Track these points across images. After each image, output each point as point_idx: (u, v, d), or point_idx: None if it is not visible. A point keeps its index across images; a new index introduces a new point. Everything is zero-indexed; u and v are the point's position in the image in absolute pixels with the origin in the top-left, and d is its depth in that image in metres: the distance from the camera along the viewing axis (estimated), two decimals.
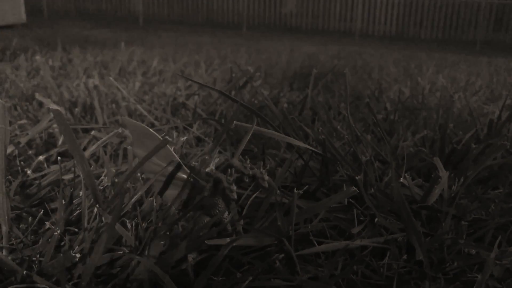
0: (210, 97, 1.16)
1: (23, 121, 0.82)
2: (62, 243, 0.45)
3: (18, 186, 0.55)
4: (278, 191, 0.53)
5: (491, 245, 0.48)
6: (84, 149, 0.73)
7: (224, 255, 0.41)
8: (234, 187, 0.44)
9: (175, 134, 0.81)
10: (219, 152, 0.74)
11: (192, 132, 0.82)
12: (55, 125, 0.80)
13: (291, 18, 7.92)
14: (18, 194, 0.54)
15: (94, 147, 0.63)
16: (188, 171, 0.47)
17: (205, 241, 0.42)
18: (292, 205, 0.47)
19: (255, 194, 0.56)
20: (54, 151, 0.70)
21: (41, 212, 0.49)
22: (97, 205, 0.48)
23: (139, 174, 0.56)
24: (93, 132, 0.76)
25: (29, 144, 0.72)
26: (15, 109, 0.93)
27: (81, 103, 0.99)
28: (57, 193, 0.56)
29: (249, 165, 0.46)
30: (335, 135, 0.83)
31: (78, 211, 0.50)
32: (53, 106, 0.90)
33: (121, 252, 0.42)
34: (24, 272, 0.38)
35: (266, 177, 0.46)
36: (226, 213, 0.46)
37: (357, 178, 0.55)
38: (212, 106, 1.04)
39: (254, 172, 0.46)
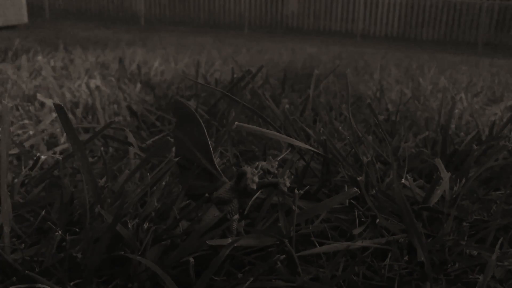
0: (211, 98, 1.16)
1: (25, 121, 0.82)
2: (64, 243, 0.45)
3: (19, 185, 0.55)
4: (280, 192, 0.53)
5: (492, 247, 0.48)
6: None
7: (225, 256, 0.41)
8: (257, 179, 0.45)
9: None
10: (221, 153, 0.74)
11: None
12: (57, 125, 0.80)
13: (292, 18, 7.92)
14: (20, 194, 0.55)
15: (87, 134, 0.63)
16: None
17: (207, 242, 0.42)
18: (294, 205, 0.47)
19: (256, 195, 0.56)
20: (55, 151, 0.71)
21: (43, 212, 0.49)
22: (99, 205, 0.48)
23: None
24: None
25: (30, 144, 0.72)
26: (17, 109, 0.93)
27: (83, 103, 0.99)
28: (59, 193, 0.56)
29: (276, 165, 0.47)
30: (337, 136, 0.83)
31: (79, 211, 0.50)
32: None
33: (122, 252, 0.42)
34: (26, 272, 0.38)
35: (288, 184, 0.46)
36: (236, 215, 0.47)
37: (358, 179, 0.55)
38: (214, 106, 1.04)
39: (275, 181, 0.46)
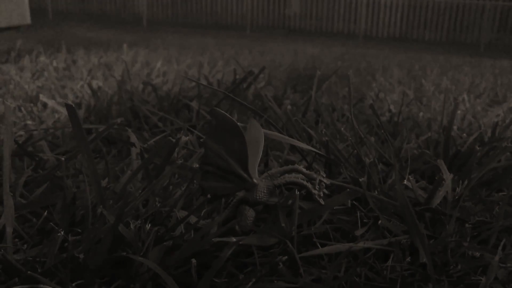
0: (213, 99, 1.16)
1: (28, 122, 0.82)
2: (66, 243, 0.45)
3: (22, 186, 0.55)
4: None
5: (495, 248, 0.48)
6: None
7: (227, 255, 0.41)
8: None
9: (178, 135, 0.81)
10: None
11: (195, 134, 0.82)
12: (58, 125, 0.80)
13: (294, 19, 7.92)
14: (22, 194, 0.55)
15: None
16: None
17: (212, 239, 0.42)
18: (294, 206, 0.47)
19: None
20: (58, 152, 0.71)
21: (45, 213, 0.49)
22: (101, 206, 0.48)
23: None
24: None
25: (33, 144, 0.72)
26: (20, 110, 0.94)
27: (85, 104, 0.99)
28: (61, 193, 0.56)
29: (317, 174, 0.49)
30: (339, 137, 0.83)
31: (81, 212, 0.50)
32: (58, 107, 0.91)
33: (124, 253, 0.42)
34: (28, 272, 0.38)
35: (322, 195, 0.48)
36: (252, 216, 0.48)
37: (360, 180, 0.54)
38: (216, 107, 1.04)
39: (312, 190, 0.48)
